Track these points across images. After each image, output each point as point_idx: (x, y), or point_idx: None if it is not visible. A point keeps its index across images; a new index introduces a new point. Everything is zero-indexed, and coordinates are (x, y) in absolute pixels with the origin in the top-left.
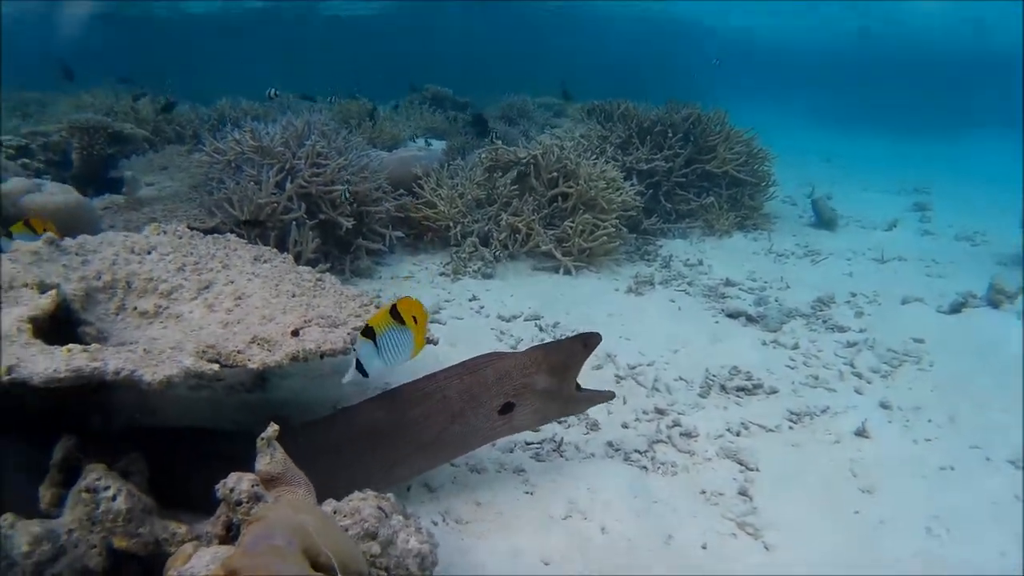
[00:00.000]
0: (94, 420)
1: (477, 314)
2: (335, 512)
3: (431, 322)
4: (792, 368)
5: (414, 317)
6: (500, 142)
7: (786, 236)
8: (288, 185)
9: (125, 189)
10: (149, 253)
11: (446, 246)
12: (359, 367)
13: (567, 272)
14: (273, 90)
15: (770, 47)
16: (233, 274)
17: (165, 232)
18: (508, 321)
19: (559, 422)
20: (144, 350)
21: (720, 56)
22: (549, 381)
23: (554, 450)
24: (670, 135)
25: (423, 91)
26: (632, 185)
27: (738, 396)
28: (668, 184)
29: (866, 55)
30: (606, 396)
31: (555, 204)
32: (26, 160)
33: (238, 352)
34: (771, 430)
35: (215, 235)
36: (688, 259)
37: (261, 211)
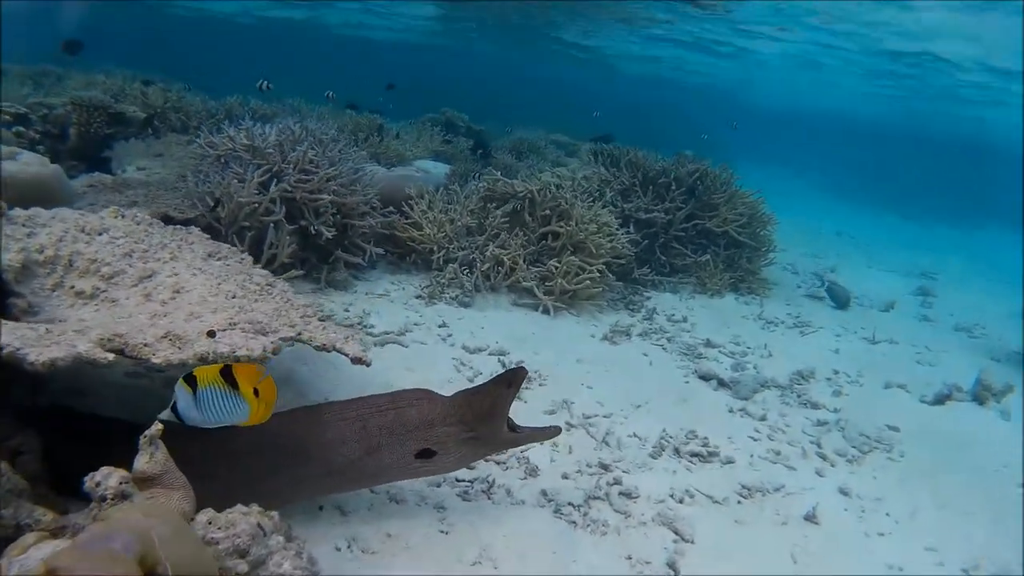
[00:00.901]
0: (16, 394)
1: (443, 341)
2: (210, 523)
3: (391, 343)
4: (755, 440)
5: (256, 389)
6: (499, 173)
7: (779, 304)
8: (273, 188)
9: (116, 169)
10: (100, 235)
11: (429, 269)
12: (175, 409)
13: (546, 311)
14: (265, 82)
15: (796, 116)
16: (180, 267)
17: (123, 216)
18: (472, 353)
19: (496, 462)
20: (46, 329)
21: (738, 120)
22: (474, 429)
23: (484, 491)
24: (673, 187)
25: (440, 113)
26: (627, 233)
27: (691, 461)
28: (666, 236)
29: (896, 133)
30: (548, 433)
31: (544, 242)
32: (21, 128)
33: (145, 345)
34: (717, 502)
35: (175, 226)
36: (673, 314)
37: (240, 210)
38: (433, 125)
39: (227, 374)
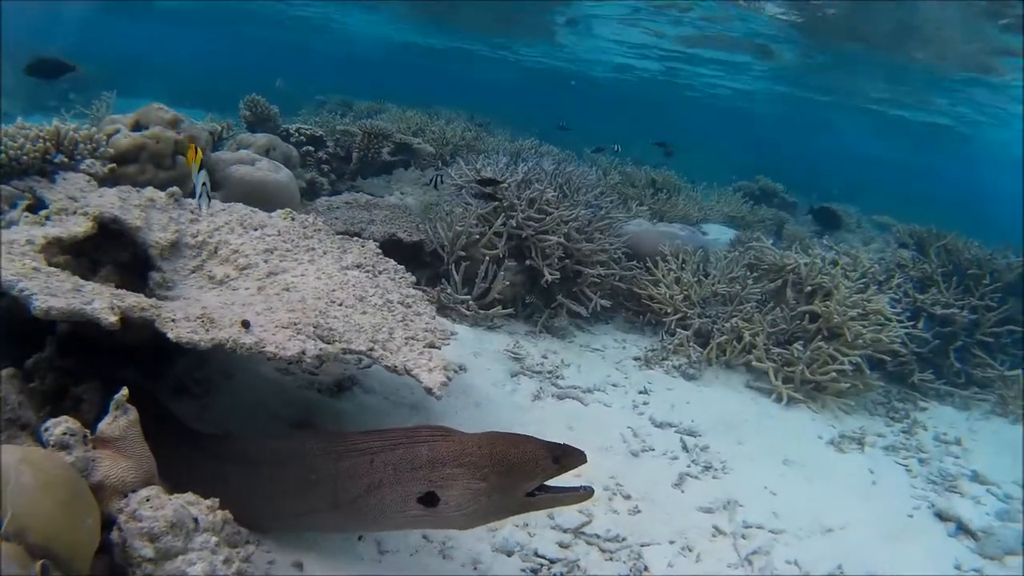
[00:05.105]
0: (181, 365)
1: (632, 408)
2: (147, 499)
3: (571, 398)
4: None
5: None
6: (770, 242)
7: None
8: (498, 222)
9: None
10: (255, 230)
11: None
12: None
13: (779, 400)
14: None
15: None
16: (310, 269)
17: (293, 219)
18: (657, 427)
19: (602, 550)
20: (75, 289)
21: None
22: (486, 479)
23: (556, 575)
24: (987, 281)
25: (754, 180)
26: (910, 327)
27: None
28: (967, 340)
29: None
30: (575, 497)
31: (799, 323)
32: (311, 148)
33: (172, 320)
34: None
35: (345, 235)
36: (945, 434)
37: (458, 239)
38: (735, 192)
39: None
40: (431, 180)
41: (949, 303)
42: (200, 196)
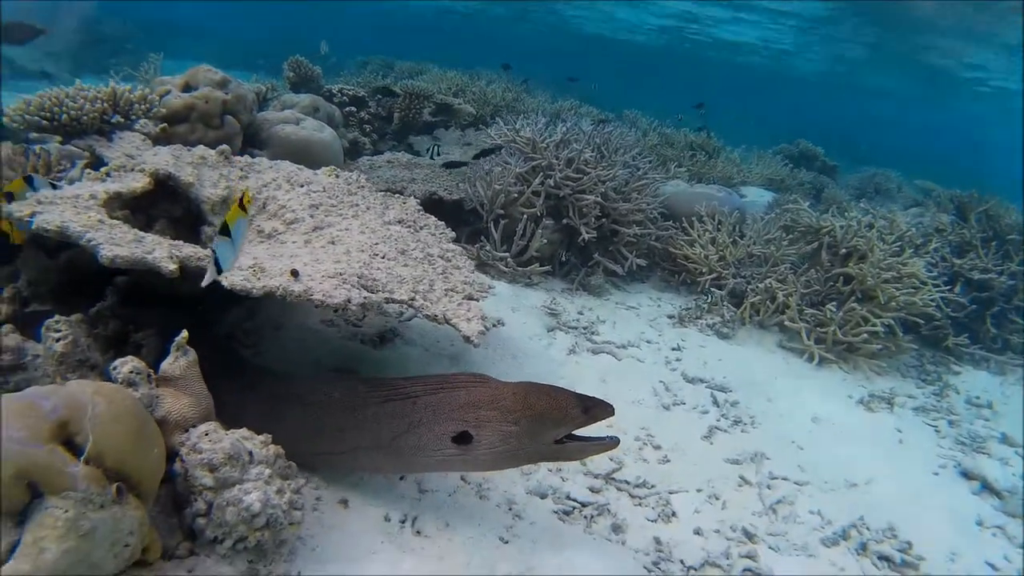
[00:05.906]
0: (234, 315)
1: (664, 364)
2: (206, 434)
3: (606, 353)
4: (993, 568)
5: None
6: (807, 205)
7: None
8: (535, 181)
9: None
10: (302, 186)
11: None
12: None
13: (811, 360)
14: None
15: None
16: (354, 224)
17: (338, 176)
18: (689, 382)
19: (631, 495)
20: (136, 240)
21: None
22: (517, 423)
23: (588, 517)
24: None
25: (794, 144)
26: (943, 290)
27: (875, 565)
28: (1005, 305)
29: None
30: (601, 446)
31: (833, 284)
32: (353, 108)
33: None
34: None
35: (388, 193)
36: (978, 397)
37: (497, 197)
38: (775, 154)
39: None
40: (428, 150)
41: (987, 268)
42: (211, 261)
